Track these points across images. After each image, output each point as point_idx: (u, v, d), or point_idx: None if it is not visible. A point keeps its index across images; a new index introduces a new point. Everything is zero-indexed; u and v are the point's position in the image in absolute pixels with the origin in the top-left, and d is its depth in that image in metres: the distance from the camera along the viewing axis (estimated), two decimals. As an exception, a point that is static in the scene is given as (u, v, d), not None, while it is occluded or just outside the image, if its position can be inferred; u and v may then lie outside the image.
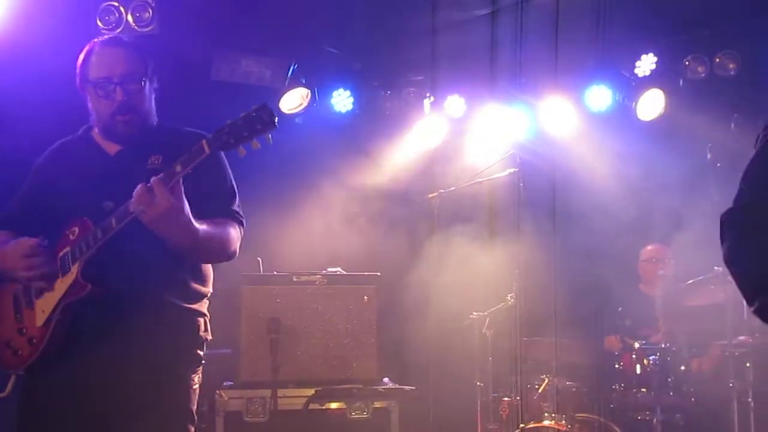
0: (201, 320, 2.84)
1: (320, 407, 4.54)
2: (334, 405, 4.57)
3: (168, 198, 2.44)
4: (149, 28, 4.90)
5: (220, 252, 2.76)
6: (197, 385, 2.81)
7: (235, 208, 2.86)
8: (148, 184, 2.45)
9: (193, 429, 2.77)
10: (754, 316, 4.79)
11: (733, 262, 1.95)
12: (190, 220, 2.55)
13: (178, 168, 2.46)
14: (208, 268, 2.90)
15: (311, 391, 4.51)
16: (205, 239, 2.63)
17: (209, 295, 2.90)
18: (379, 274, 4.81)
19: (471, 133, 6.16)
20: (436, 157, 6.13)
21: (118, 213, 2.55)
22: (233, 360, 4.59)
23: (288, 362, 4.53)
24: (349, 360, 4.65)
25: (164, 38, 4.90)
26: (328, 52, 5.92)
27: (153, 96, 2.86)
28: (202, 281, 2.86)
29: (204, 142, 2.45)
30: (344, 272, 4.84)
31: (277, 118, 2.45)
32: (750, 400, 4.64)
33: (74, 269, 2.61)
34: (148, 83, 2.80)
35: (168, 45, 4.83)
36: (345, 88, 6.05)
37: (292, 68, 5.78)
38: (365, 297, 4.71)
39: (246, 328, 4.58)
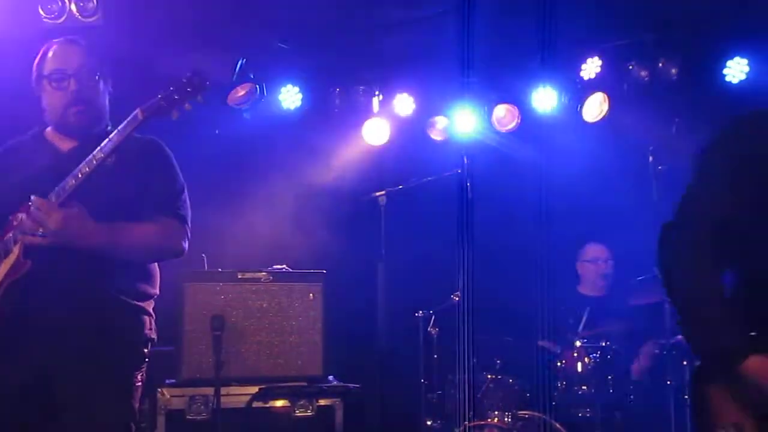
0: (147, 319, 2.84)
1: (264, 405, 4.50)
2: (278, 403, 4.54)
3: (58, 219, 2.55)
4: (93, 19, 4.78)
5: (154, 250, 2.77)
6: (140, 383, 2.80)
7: (180, 206, 2.86)
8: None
9: (134, 426, 2.75)
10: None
11: (661, 265, 2.24)
12: (94, 226, 2.63)
13: (115, 137, 2.61)
14: (155, 270, 2.90)
15: (255, 389, 4.47)
16: (119, 241, 2.70)
17: (155, 296, 2.89)
18: (325, 271, 4.79)
19: (419, 132, 6.19)
20: (384, 156, 6.15)
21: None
22: (175, 357, 4.52)
23: (232, 360, 4.48)
24: (294, 358, 4.62)
25: (109, 30, 4.80)
26: (278, 48, 5.87)
27: (107, 97, 2.88)
28: (150, 281, 2.87)
29: (138, 110, 2.61)
30: (290, 269, 4.81)
31: (208, 82, 2.57)
32: (686, 397, 4.76)
33: (15, 249, 2.65)
34: (102, 81, 2.84)
35: (113, 35, 4.73)
36: (294, 85, 6.00)
37: (240, 63, 5.72)
38: (311, 294, 4.69)
39: (189, 325, 4.52)
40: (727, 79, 5.62)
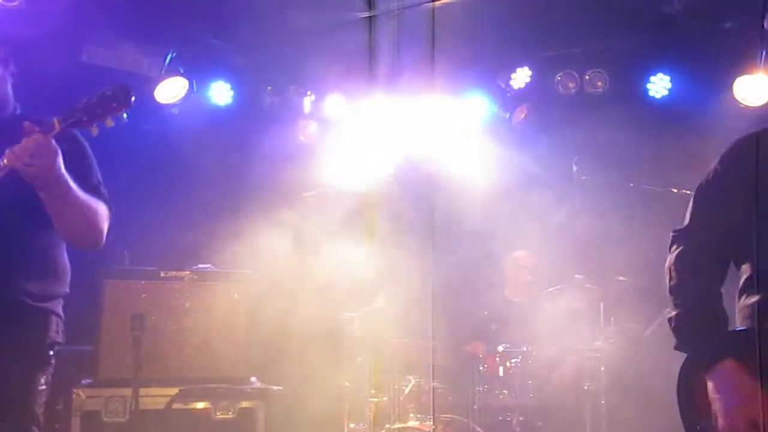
0: (53, 320, 2.73)
1: (184, 407, 4.42)
2: (199, 405, 4.47)
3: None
4: (15, 3, 4.62)
5: (91, 223, 2.69)
6: (44, 386, 2.69)
7: (105, 193, 2.79)
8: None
9: (36, 431, 2.65)
10: (609, 323, 5.04)
11: (668, 271, 2.34)
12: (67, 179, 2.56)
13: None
14: (65, 267, 2.80)
15: (175, 391, 4.39)
16: (79, 202, 2.62)
17: (64, 296, 2.78)
18: (249, 272, 4.74)
19: (350, 133, 6.18)
20: (314, 156, 6.11)
21: None
22: (92, 357, 4.39)
23: (152, 360, 4.38)
24: (216, 359, 4.56)
25: (32, 13, 4.64)
26: (209, 43, 5.78)
27: (9, 81, 2.75)
28: (57, 280, 2.76)
29: (55, 119, 2.46)
30: (215, 269, 4.74)
31: (133, 98, 2.45)
32: (603, 401, 4.88)
33: None
34: (1, 66, 2.70)
35: (35, 20, 4.57)
36: (225, 81, 5.92)
37: (170, 57, 5.61)
38: (235, 295, 4.64)
39: (107, 323, 4.41)
40: (651, 93, 5.80)
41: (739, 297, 2.31)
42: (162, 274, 4.58)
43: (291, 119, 6.11)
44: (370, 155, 6.03)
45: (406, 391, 5.01)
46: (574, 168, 5.02)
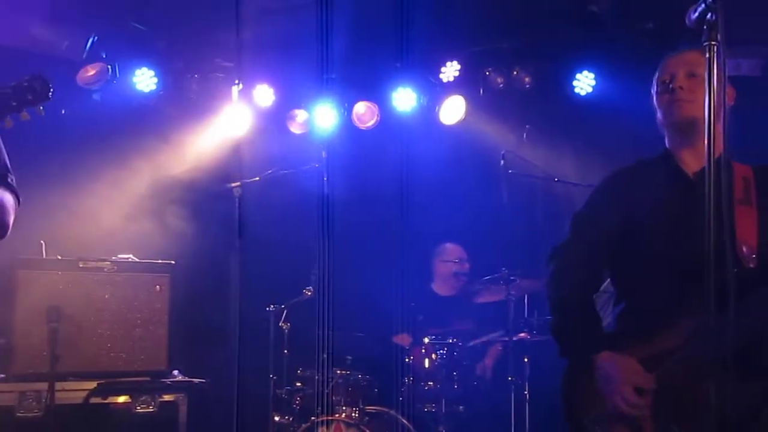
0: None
1: (103, 401, 4.30)
2: (119, 399, 4.36)
3: None
4: None
5: None
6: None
7: (10, 180, 2.65)
8: None
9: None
10: (533, 315, 5.14)
11: (548, 284, 2.63)
12: None
13: None
14: None
15: (93, 385, 4.27)
16: None
17: None
18: (173, 262, 4.63)
19: (278, 123, 6.11)
20: (241, 146, 6.01)
21: None
22: (5, 350, 4.22)
23: (69, 353, 4.25)
24: (137, 352, 4.45)
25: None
26: (133, 28, 5.62)
27: None
28: None
29: None
30: (136, 260, 4.62)
31: (51, 91, 2.33)
32: (526, 392, 4.96)
33: None
34: None
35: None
36: (149, 67, 5.76)
37: (91, 40, 5.43)
38: (158, 286, 4.52)
39: (21, 315, 4.24)
40: (576, 90, 5.90)
41: (613, 304, 2.61)
42: (81, 265, 4.44)
43: (218, 108, 6.00)
44: (299, 146, 5.98)
45: (333, 382, 4.98)
46: (502, 162, 5.07)
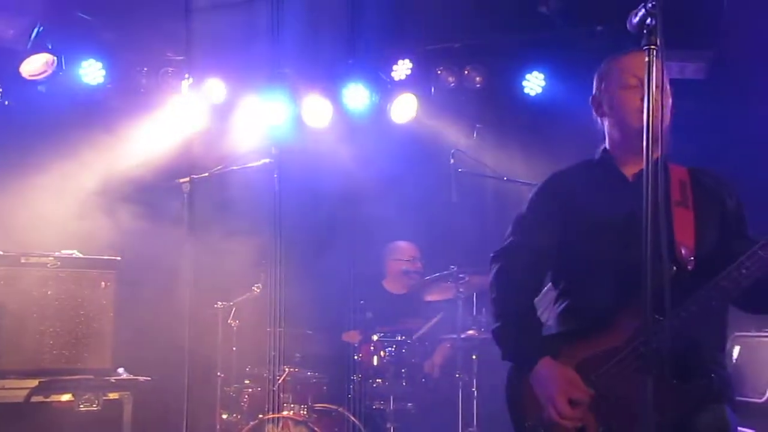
0: None
1: (45, 400, 4.21)
2: (62, 397, 4.27)
3: None
4: None
5: None
6: None
7: None
8: None
9: None
10: (481, 312, 5.19)
11: (490, 287, 2.61)
12: None
13: None
14: None
15: (35, 383, 4.17)
16: None
17: None
18: (119, 258, 4.56)
19: (229, 119, 6.05)
20: (191, 142, 5.93)
21: None
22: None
23: (10, 351, 4.16)
24: (81, 349, 4.37)
25: None
26: (79, 19, 5.50)
27: None
28: None
29: None
30: (80, 255, 4.53)
31: None
32: (474, 389, 5.01)
33: None
34: None
35: None
36: (97, 60, 5.65)
37: (36, 30, 5.31)
38: (103, 282, 4.45)
39: (-41, 312, 4.13)
40: (526, 90, 5.97)
41: (554, 304, 2.63)
42: (23, 260, 4.34)
43: (167, 102, 5.91)
44: (250, 142, 5.94)
45: (280, 380, 4.96)
46: (451, 161, 5.09)
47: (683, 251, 2.37)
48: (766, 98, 4.94)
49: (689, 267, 2.36)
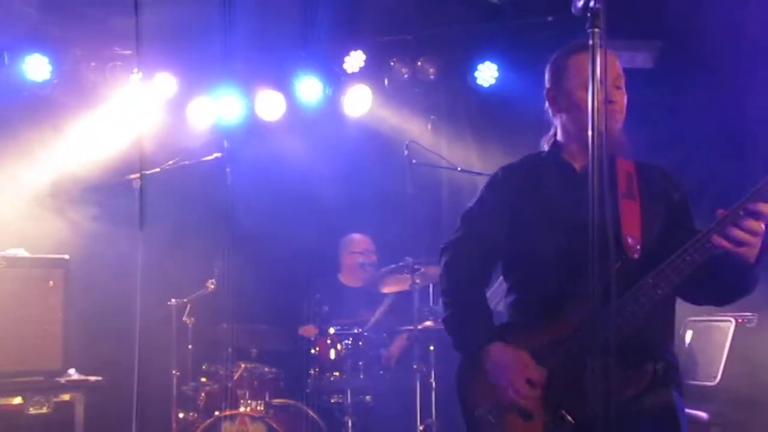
0: None
1: (-8, 403, 4.12)
2: (11, 400, 4.18)
3: None
4: None
5: None
6: None
7: None
8: None
9: None
10: (438, 303, 5.23)
11: (440, 278, 2.65)
12: None
13: None
14: None
15: (-18, 386, 4.08)
16: None
17: None
18: (67, 257, 4.47)
19: (180, 113, 5.96)
20: (141, 137, 5.84)
21: None
22: None
23: (-46, 353, 4.05)
24: (30, 350, 4.29)
25: None
26: (23, 12, 5.36)
27: None
28: None
29: None
30: (27, 254, 4.43)
31: None
32: (432, 380, 5.02)
33: None
34: None
35: None
36: (42, 54, 5.52)
37: (-24, 24, 5.17)
38: (51, 282, 4.36)
39: None
40: (479, 82, 5.98)
41: (506, 296, 2.67)
42: (-33, 260, 4.24)
43: (116, 97, 5.80)
44: (201, 137, 5.87)
45: (236, 377, 4.93)
46: (406, 152, 5.09)
47: (629, 240, 2.40)
48: (714, 87, 5.04)
49: (635, 256, 2.39)
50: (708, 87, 5.02)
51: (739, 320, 4.05)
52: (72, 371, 4.41)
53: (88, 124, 5.77)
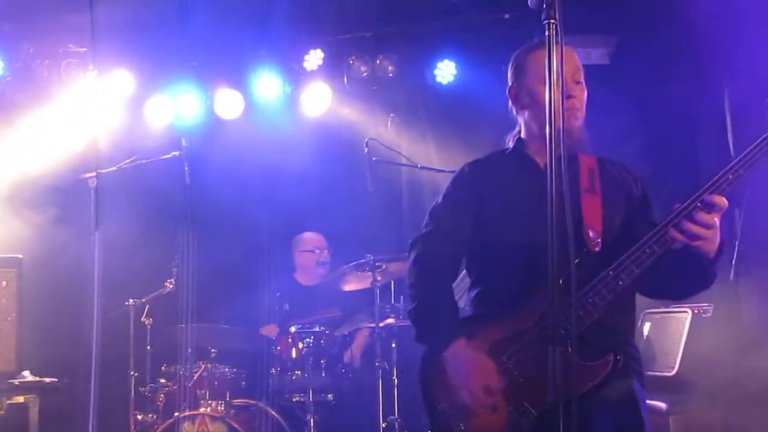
0: None
1: (-57, 407, 4.02)
2: (-37, 404, 4.08)
3: None
4: None
5: None
6: None
7: None
8: None
9: None
10: (399, 300, 5.21)
11: (408, 272, 2.67)
12: None
13: None
14: None
15: (-69, 390, 3.98)
16: None
17: None
18: (20, 256, 4.38)
19: (137, 111, 5.88)
20: (97, 135, 5.74)
21: None
22: None
23: None
24: (-18, 352, 4.19)
25: None
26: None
27: None
28: None
29: None
30: (-21, 255, 4.34)
31: None
32: (395, 377, 5.02)
33: None
34: None
35: None
36: (-6, 51, 5.41)
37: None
38: (4, 282, 4.27)
39: None
40: (438, 79, 6.00)
41: (469, 290, 2.70)
42: None
43: (71, 95, 5.69)
44: (159, 134, 5.80)
45: (195, 377, 4.87)
46: (365, 150, 5.08)
47: (591, 234, 2.44)
48: (668, 82, 5.12)
49: (596, 248, 2.43)
50: (663, 82, 5.11)
51: (696, 311, 4.11)
52: (26, 373, 4.32)
53: (43, 123, 5.66)
